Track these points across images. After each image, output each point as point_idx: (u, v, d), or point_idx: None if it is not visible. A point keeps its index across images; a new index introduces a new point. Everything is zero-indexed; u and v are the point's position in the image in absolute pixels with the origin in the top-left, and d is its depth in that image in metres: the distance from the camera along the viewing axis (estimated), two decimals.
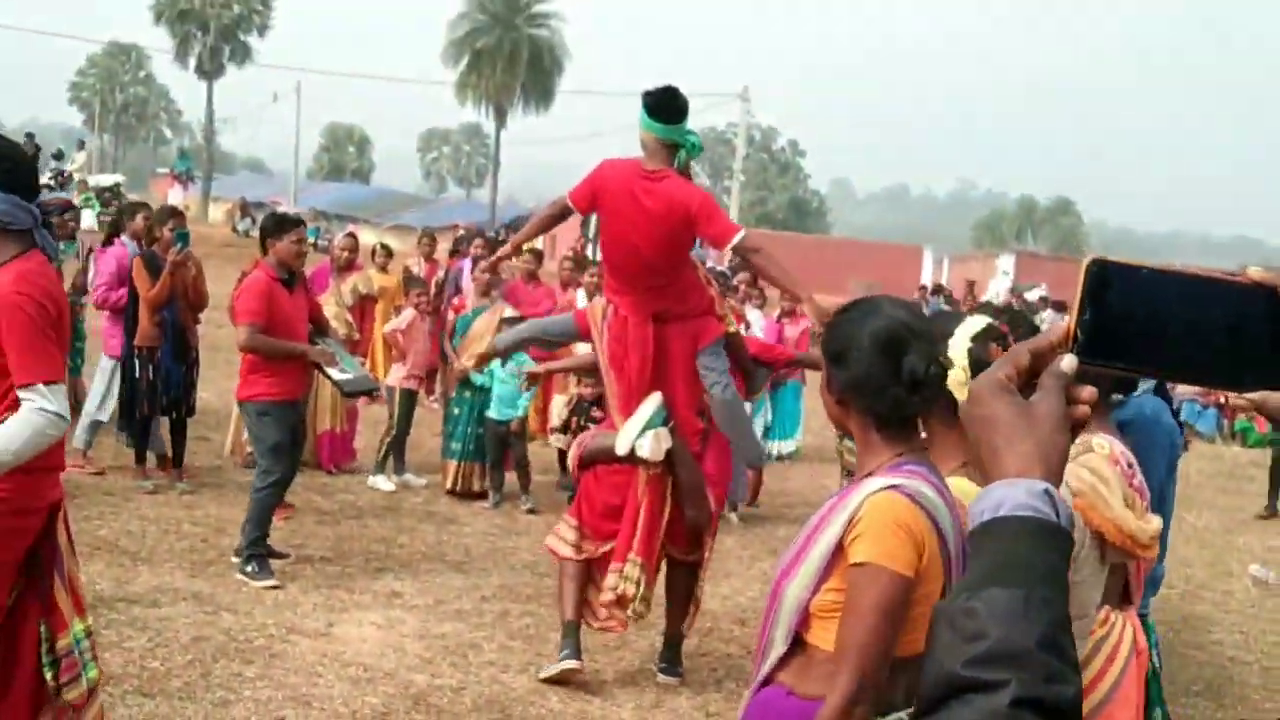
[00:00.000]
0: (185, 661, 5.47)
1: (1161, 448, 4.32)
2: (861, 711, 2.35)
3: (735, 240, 5.65)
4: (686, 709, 5.62)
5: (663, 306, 5.75)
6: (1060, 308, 14.21)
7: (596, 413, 8.92)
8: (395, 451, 9.65)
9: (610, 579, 5.77)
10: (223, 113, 59.47)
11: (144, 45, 77.42)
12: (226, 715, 4.94)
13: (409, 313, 9.81)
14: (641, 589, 5.72)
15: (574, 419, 8.99)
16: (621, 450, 5.61)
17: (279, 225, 7.35)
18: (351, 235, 10.92)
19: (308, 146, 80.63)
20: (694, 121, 5.87)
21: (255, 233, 9.40)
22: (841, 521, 2.45)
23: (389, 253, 11.54)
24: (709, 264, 24.22)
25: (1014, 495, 1.16)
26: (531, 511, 9.18)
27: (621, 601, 5.75)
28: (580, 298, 10.81)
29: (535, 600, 6.96)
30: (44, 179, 30.06)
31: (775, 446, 12.25)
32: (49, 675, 3.53)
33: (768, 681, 2.53)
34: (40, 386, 3.39)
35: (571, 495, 9.10)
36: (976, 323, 2.85)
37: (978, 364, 2.77)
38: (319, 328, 7.44)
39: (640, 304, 5.74)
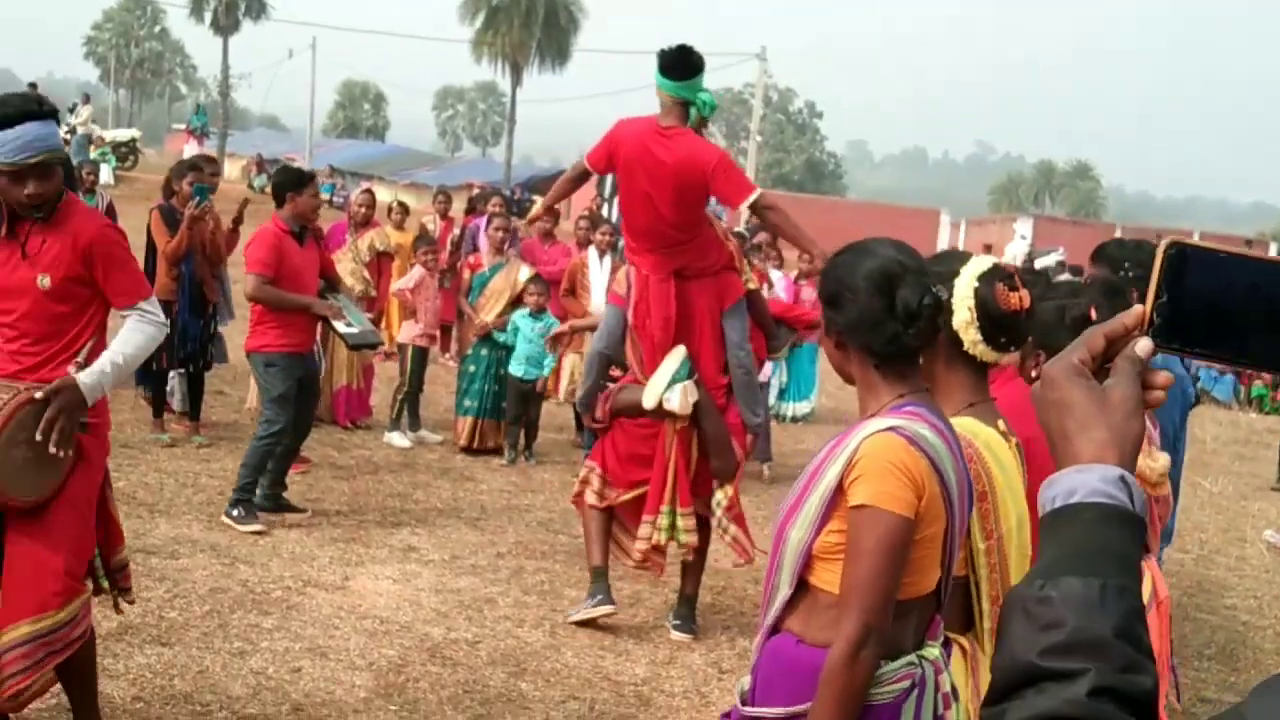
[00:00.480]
0: (203, 612, 5.51)
1: (1172, 394, 4.31)
2: (868, 654, 2.36)
3: (751, 198, 5.68)
4: (699, 664, 5.65)
5: (683, 263, 5.77)
6: (1077, 272, 14.10)
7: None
8: (409, 408, 9.68)
9: (643, 529, 5.90)
10: (238, 69, 59.25)
11: (159, 0, 77.31)
12: (244, 665, 4.98)
13: (417, 270, 9.80)
14: (683, 535, 5.91)
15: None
16: (649, 404, 5.68)
17: (299, 180, 7.37)
18: (369, 192, 10.90)
19: (323, 104, 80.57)
20: (711, 81, 5.86)
21: (269, 189, 9.39)
22: (841, 463, 2.45)
23: (405, 210, 11.55)
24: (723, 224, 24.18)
25: (1088, 482, 1.14)
26: (538, 463, 9.25)
27: (658, 549, 5.92)
28: (591, 255, 10.80)
29: (550, 556, 6.99)
30: (60, 132, 30.07)
31: (790, 408, 12.27)
32: (105, 581, 4.08)
33: (776, 629, 2.54)
34: (143, 303, 3.90)
35: (588, 451, 9.16)
36: (982, 262, 2.82)
37: (983, 304, 2.74)
38: (330, 282, 7.45)
39: (661, 262, 5.76)
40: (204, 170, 8.71)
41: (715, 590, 6.80)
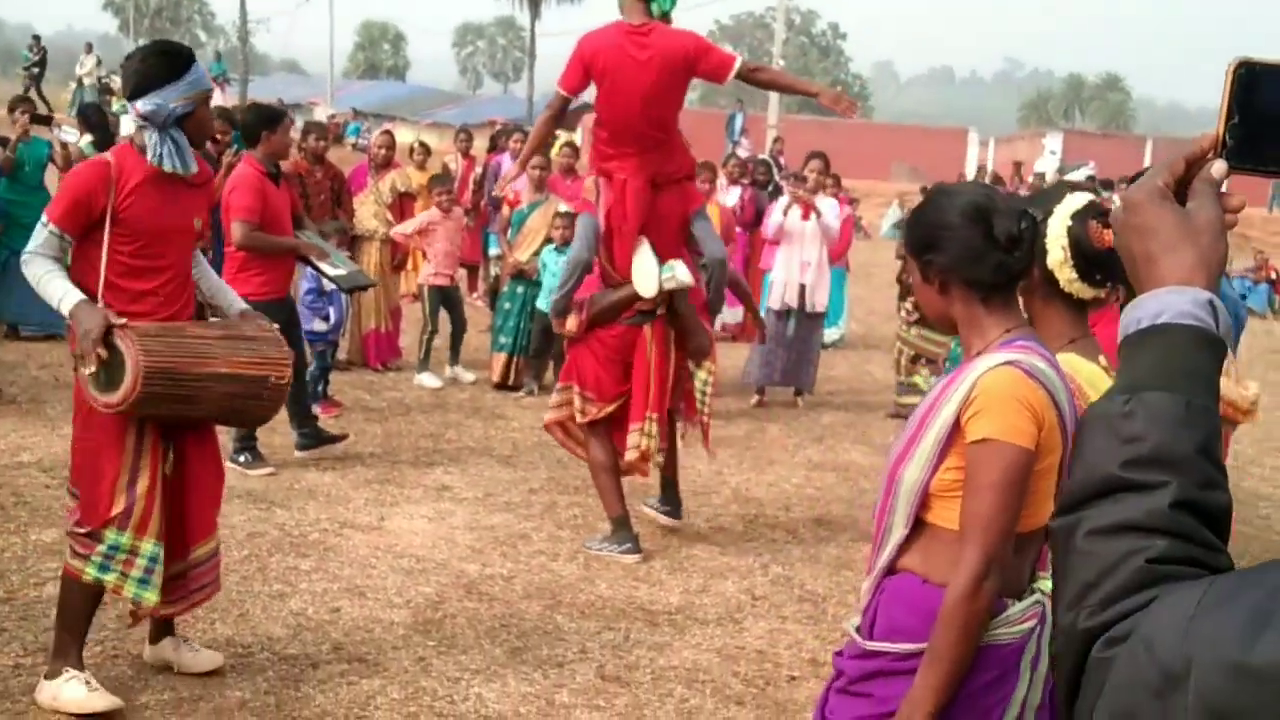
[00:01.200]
0: (242, 557, 5.60)
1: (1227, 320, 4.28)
2: (989, 587, 2.37)
3: (737, 66, 5.96)
4: (733, 592, 5.71)
5: (657, 168, 6.00)
6: (1108, 186, 13.94)
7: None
8: (452, 346, 9.78)
9: (632, 438, 6.08)
10: (256, 14, 59.09)
11: None
12: (284, 607, 5.07)
13: (423, 215, 9.81)
14: (657, 441, 6.11)
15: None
16: (651, 290, 5.96)
17: (271, 117, 7.28)
18: (388, 133, 10.88)
19: (343, 46, 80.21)
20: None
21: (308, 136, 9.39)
22: (957, 400, 2.44)
23: (427, 150, 11.53)
24: (746, 153, 23.96)
25: (1178, 303, 1.15)
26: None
27: (644, 456, 6.12)
28: None
29: (582, 491, 7.05)
30: (85, 71, 30.12)
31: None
32: None
33: (892, 570, 2.54)
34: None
35: None
36: (1076, 200, 2.81)
37: (1077, 243, 2.74)
38: (298, 220, 7.38)
39: (640, 166, 5.98)
40: (233, 122, 8.79)
41: (746, 519, 6.86)
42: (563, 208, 9.29)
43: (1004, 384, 2.41)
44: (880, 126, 58.58)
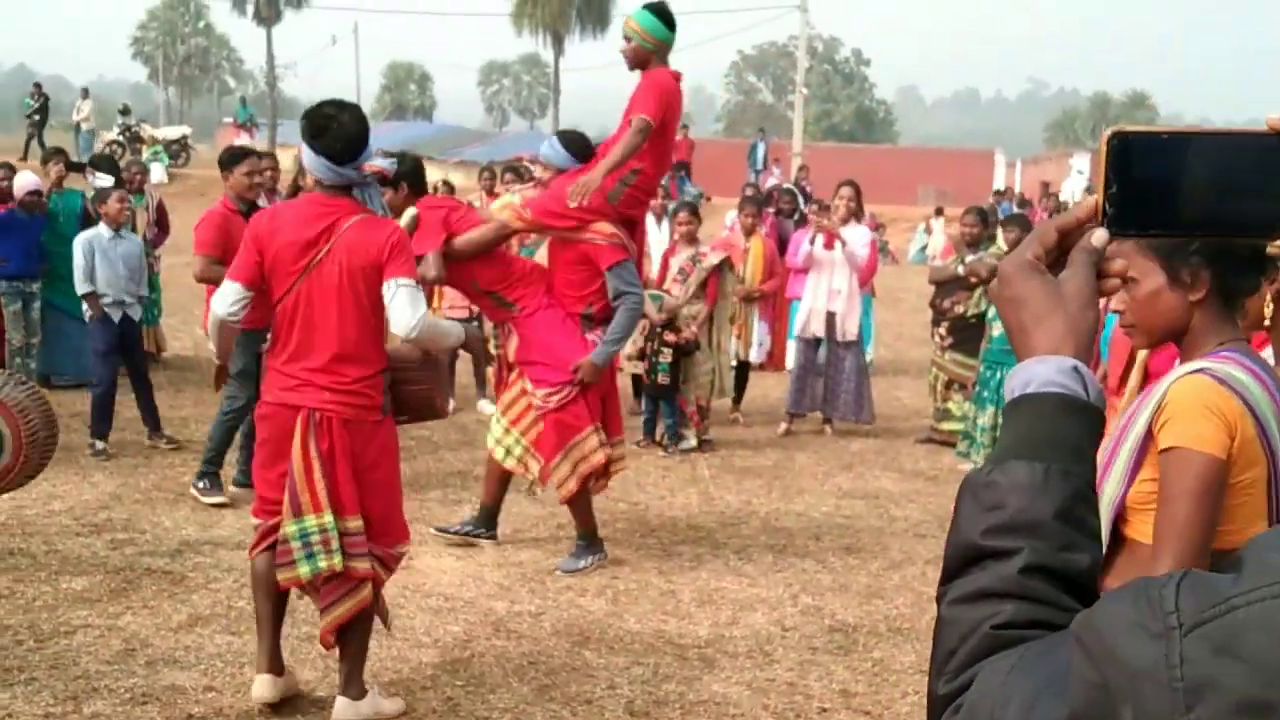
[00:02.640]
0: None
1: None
2: None
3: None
4: (762, 624, 5.67)
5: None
6: None
7: (670, 337, 8.96)
8: (475, 378, 9.87)
9: (617, 450, 6.43)
10: (283, 59, 59.69)
11: None
12: (312, 650, 5.07)
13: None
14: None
15: (648, 345, 9.03)
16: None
17: (232, 158, 7.61)
18: None
19: (369, 88, 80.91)
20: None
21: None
22: (1150, 409, 2.41)
23: (451, 189, 11.60)
24: (776, 180, 23.88)
25: (1043, 373, 1.17)
26: None
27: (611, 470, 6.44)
28: (649, 221, 10.79)
29: (609, 525, 7.03)
30: (113, 134, 30.46)
31: None
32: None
33: None
34: None
35: (647, 421, 9.19)
36: None
37: None
38: None
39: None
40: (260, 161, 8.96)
41: (776, 549, 6.82)
42: None
43: (1193, 391, 2.36)
44: (906, 150, 58.58)
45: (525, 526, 6.98)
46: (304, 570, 4.33)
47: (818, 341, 9.91)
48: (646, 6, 6.22)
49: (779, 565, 6.57)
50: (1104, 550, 2.43)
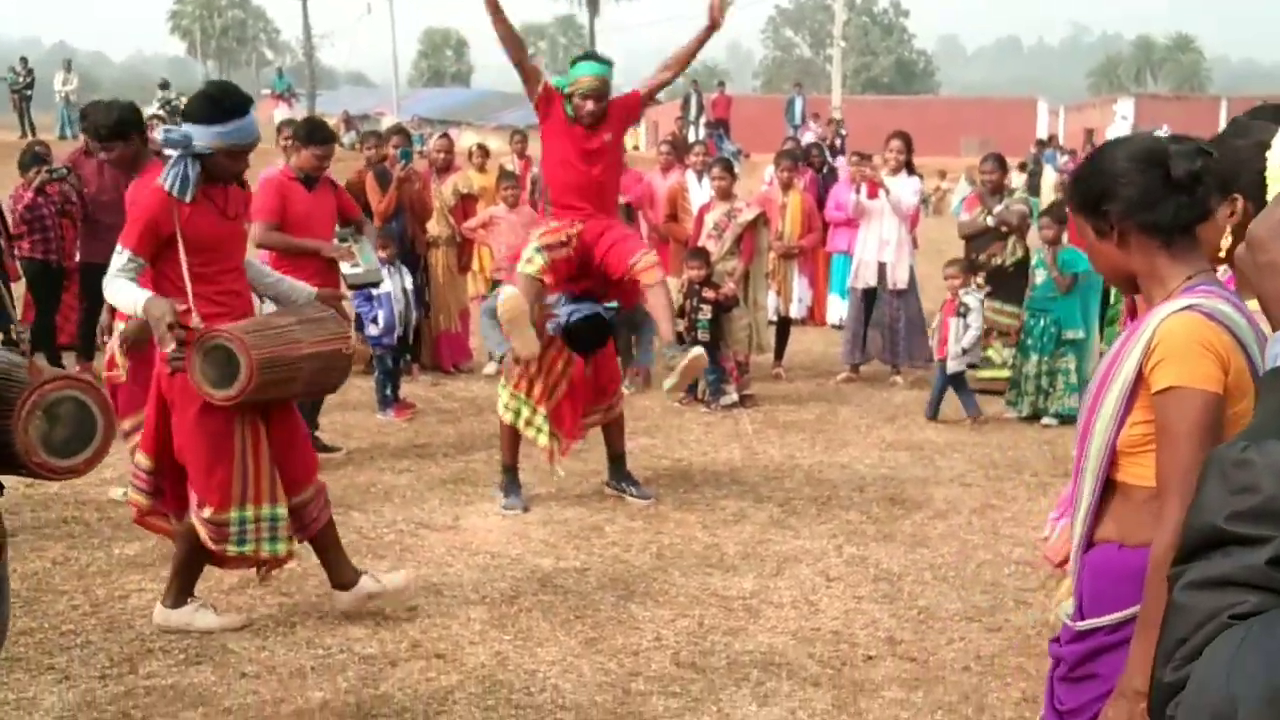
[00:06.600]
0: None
1: None
2: None
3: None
4: (807, 575, 5.68)
5: None
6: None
7: (708, 293, 8.94)
8: None
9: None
10: (319, 29, 59.84)
11: None
12: (363, 608, 5.14)
13: (491, 209, 9.94)
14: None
15: (687, 302, 9.03)
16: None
17: (308, 135, 7.40)
18: (446, 137, 10.98)
19: (406, 54, 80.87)
20: None
21: (360, 145, 9.64)
22: (1138, 351, 2.38)
23: (486, 152, 11.60)
24: (814, 137, 23.70)
25: None
26: (635, 391, 9.28)
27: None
28: (690, 177, 10.77)
29: (653, 482, 7.06)
30: (153, 109, 30.64)
31: None
32: None
33: (1089, 545, 2.49)
34: None
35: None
36: None
37: None
38: (357, 225, 7.65)
39: None
40: (408, 135, 9.33)
41: (820, 502, 6.82)
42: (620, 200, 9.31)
43: (1185, 329, 2.33)
44: (948, 100, 57.99)
45: (569, 484, 7.02)
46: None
47: (871, 292, 9.92)
48: (588, 56, 6.78)
49: (823, 517, 6.57)
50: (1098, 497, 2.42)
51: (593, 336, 6.45)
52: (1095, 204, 2.48)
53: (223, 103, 4.61)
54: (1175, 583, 1.06)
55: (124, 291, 4.53)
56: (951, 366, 8.73)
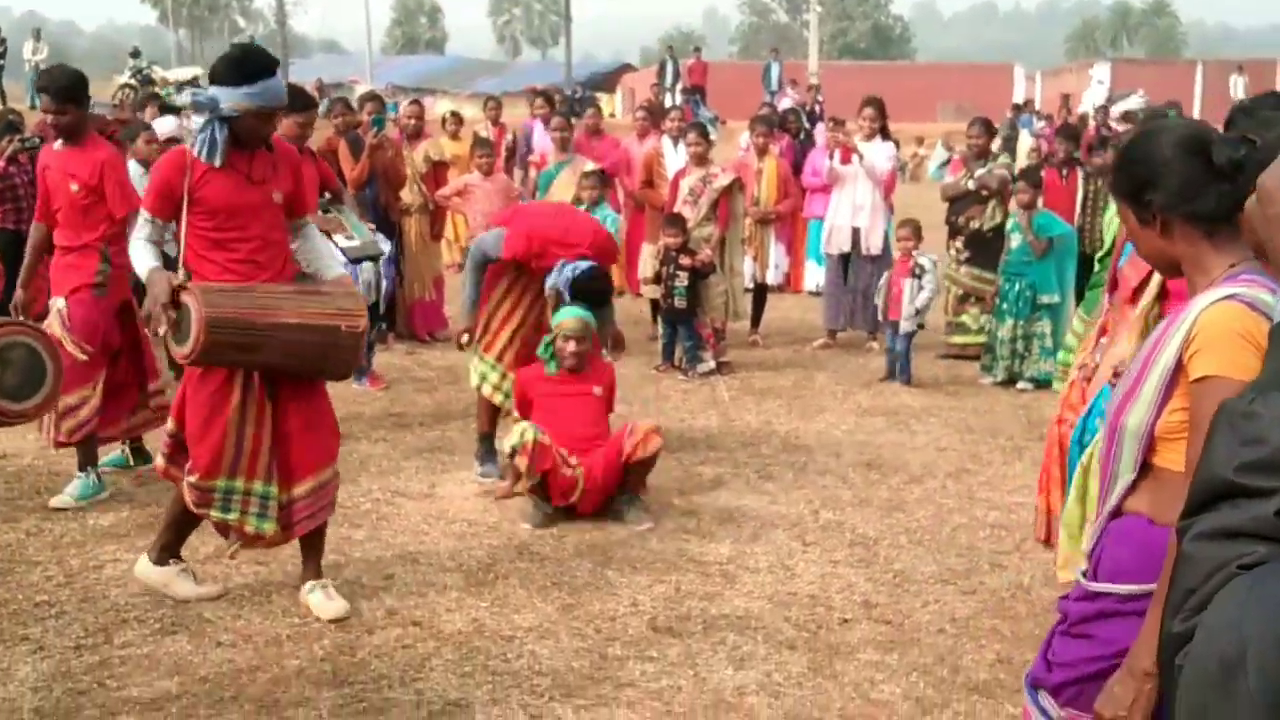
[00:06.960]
0: None
1: None
2: None
3: None
4: (784, 540, 5.70)
5: None
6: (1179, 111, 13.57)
7: (685, 260, 8.93)
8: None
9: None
10: None
11: None
12: (339, 576, 5.13)
13: (465, 177, 9.90)
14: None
15: (664, 269, 9.02)
16: None
17: (290, 102, 7.20)
18: (416, 103, 10.93)
19: (380, 22, 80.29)
20: None
21: (330, 113, 9.51)
22: (1179, 338, 2.37)
23: (460, 120, 11.57)
24: (791, 102, 23.66)
25: None
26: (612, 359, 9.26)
27: None
28: (665, 143, 10.74)
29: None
30: (124, 78, 30.30)
31: None
32: None
33: (1118, 513, 2.51)
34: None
35: (665, 345, 9.20)
36: None
37: None
38: (334, 195, 7.59)
39: None
40: (382, 102, 9.18)
41: (796, 467, 6.84)
42: (589, 167, 9.29)
43: (1225, 319, 2.32)
44: (924, 67, 57.91)
45: None
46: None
47: (845, 257, 9.94)
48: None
49: (799, 483, 6.59)
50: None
51: (597, 287, 6.31)
52: (1138, 193, 2.50)
53: (248, 63, 4.55)
54: (1184, 535, 1.05)
55: (137, 256, 4.59)
56: (904, 327, 8.76)
